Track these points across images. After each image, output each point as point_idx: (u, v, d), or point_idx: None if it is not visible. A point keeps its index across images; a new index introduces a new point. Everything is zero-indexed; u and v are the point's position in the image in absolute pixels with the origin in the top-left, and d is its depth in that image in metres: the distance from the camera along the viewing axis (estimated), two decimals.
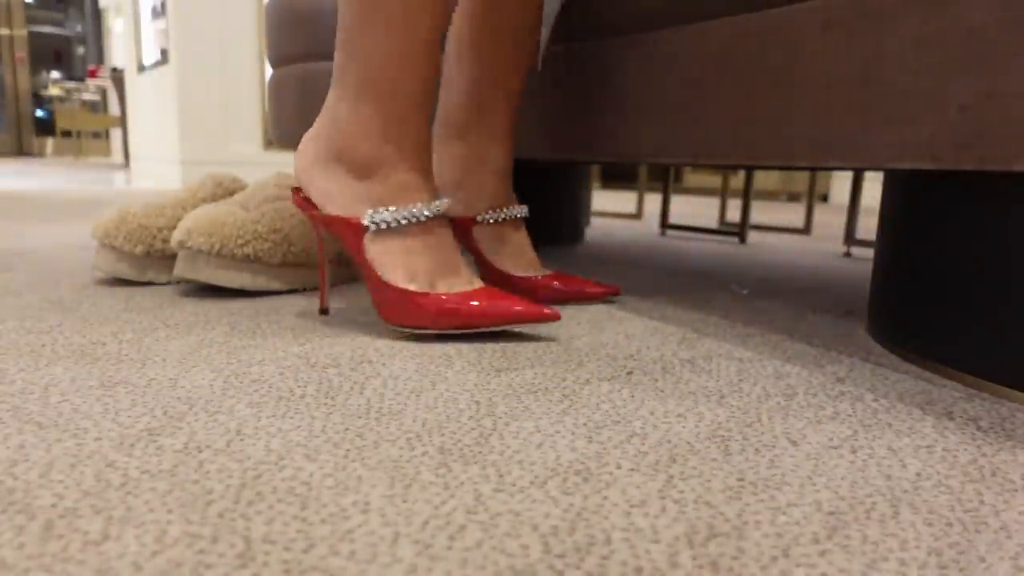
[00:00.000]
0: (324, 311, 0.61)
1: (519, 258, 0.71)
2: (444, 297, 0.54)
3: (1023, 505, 0.31)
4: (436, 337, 0.56)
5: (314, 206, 0.56)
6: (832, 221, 2.22)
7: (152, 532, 0.27)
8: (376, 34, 0.52)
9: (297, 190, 0.58)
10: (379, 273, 0.54)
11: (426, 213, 0.55)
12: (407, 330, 0.55)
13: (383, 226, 0.54)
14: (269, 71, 1.23)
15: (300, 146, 0.57)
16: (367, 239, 0.54)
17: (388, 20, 0.52)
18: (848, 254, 1.30)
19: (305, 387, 0.43)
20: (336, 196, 0.55)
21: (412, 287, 0.54)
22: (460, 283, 0.56)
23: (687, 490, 0.32)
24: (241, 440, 0.35)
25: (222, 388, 0.43)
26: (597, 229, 1.60)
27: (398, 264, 0.54)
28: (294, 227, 0.71)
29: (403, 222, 0.54)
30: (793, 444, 0.37)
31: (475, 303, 0.54)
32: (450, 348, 0.53)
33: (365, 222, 0.54)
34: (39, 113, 7.37)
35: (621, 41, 0.67)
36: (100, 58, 6.56)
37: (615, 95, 0.68)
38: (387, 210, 0.54)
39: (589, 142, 0.72)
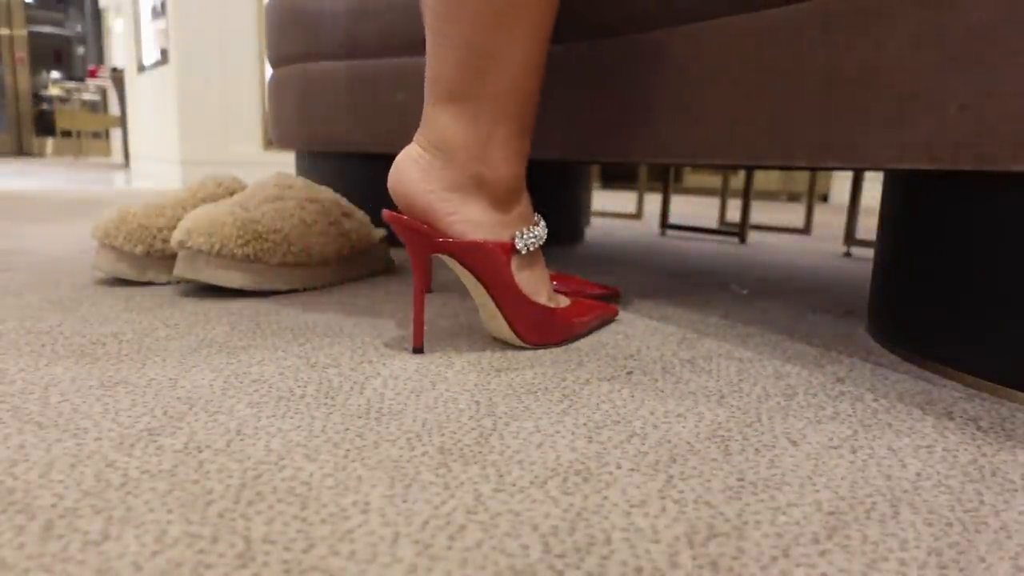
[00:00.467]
0: (418, 350, 0.52)
1: None
2: (567, 311, 0.56)
3: (1023, 505, 0.31)
4: (435, 338, 0.56)
5: (439, 233, 0.50)
6: (832, 221, 2.22)
7: (152, 532, 0.27)
8: (516, 42, 0.48)
9: (402, 219, 0.50)
10: (528, 295, 0.53)
11: (546, 231, 0.55)
12: (541, 347, 0.54)
13: (531, 248, 0.53)
14: (269, 71, 1.23)
15: (408, 173, 0.50)
16: (514, 263, 0.52)
17: (529, 23, 0.48)
18: (848, 254, 1.30)
19: (305, 387, 0.43)
20: (482, 223, 0.50)
21: (551, 305, 0.54)
22: (555, 296, 0.57)
23: (687, 490, 0.32)
24: (241, 440, 0.35)
25: (222, 388, 0.43)
26: (597, 229, 1.59)
27: (538, 284, 0.54)
28: (294, 227, 0.71)
29: (539, 243, 0.54)
30: (793, 444, 0.37)
31: (579, 313, 0.57)
32: (450, 348, 0.53)
33: (519, 245, 0.52)
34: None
35: (620, 41, 0.67)
36: (100, 58, 6.55)
37: (615, 95, 0.68)
38: (531, 232, 0.53)
39: (589, 142, 0.72)
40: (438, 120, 0.50)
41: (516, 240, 0.52)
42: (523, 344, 0.54)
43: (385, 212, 0.50)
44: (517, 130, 0.51)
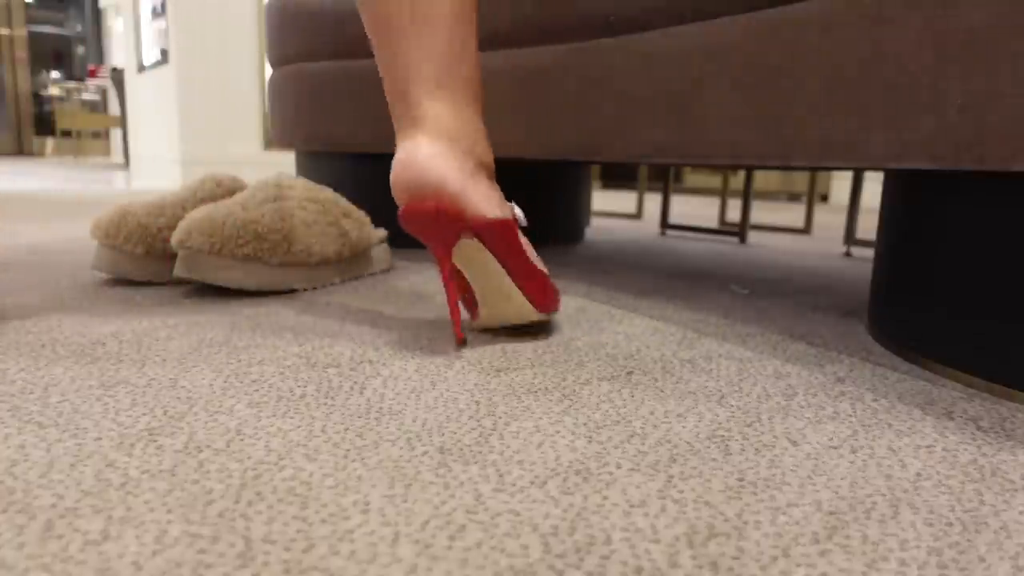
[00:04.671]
0: (463, 342, 0.54)
1: None
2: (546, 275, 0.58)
3: (1023, 505, 0.31)
4: (434, 338, 0.56)
5: (462, 215, 0.50)
6: (832, 221, 2.22)
7: (152, 532, 0.27)
8: (475, 25, 0.53)
9: (431, 205, 0.49)
10: (535, 264, 0.55)
11: None
12: (550, 315, 0.57)
13: (523, 221, 0.56)
14: (269, 71, 1.23)
15: (432, 163, 0.49)
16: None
17: (478, 6, 0.52)
18: (848, 254, 1.30)
19: (305, 387, 0.43)
20: (492, 201, 0.52)
21: (543, 268, 0.57)
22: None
23: (687, 490, 0.32)
24: (241, 440, 0.35)
25: (222, 388, 0.43)
26: (597, 229, 1.59)
27: (532, 253, 0.56)
28: (294, 227, 0.71)
29: None
30: (793, 444, 0.37)
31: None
32: (450, 348, 0.53)
33: (519, 217, 0.55)
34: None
35: (621, 41, 0.67)
36: (100, 58, 6.55)
37: (615, 95, 0.68)
38: (516, 206, 0.56)
39: (589, 143, 0.72)
40: (432, 112, 0.51)
41: (517, 213, 0.54)
42: (535, 319, 0.55)
43: (404, 208, 0.50)
44: (482, 108, 0.55)
